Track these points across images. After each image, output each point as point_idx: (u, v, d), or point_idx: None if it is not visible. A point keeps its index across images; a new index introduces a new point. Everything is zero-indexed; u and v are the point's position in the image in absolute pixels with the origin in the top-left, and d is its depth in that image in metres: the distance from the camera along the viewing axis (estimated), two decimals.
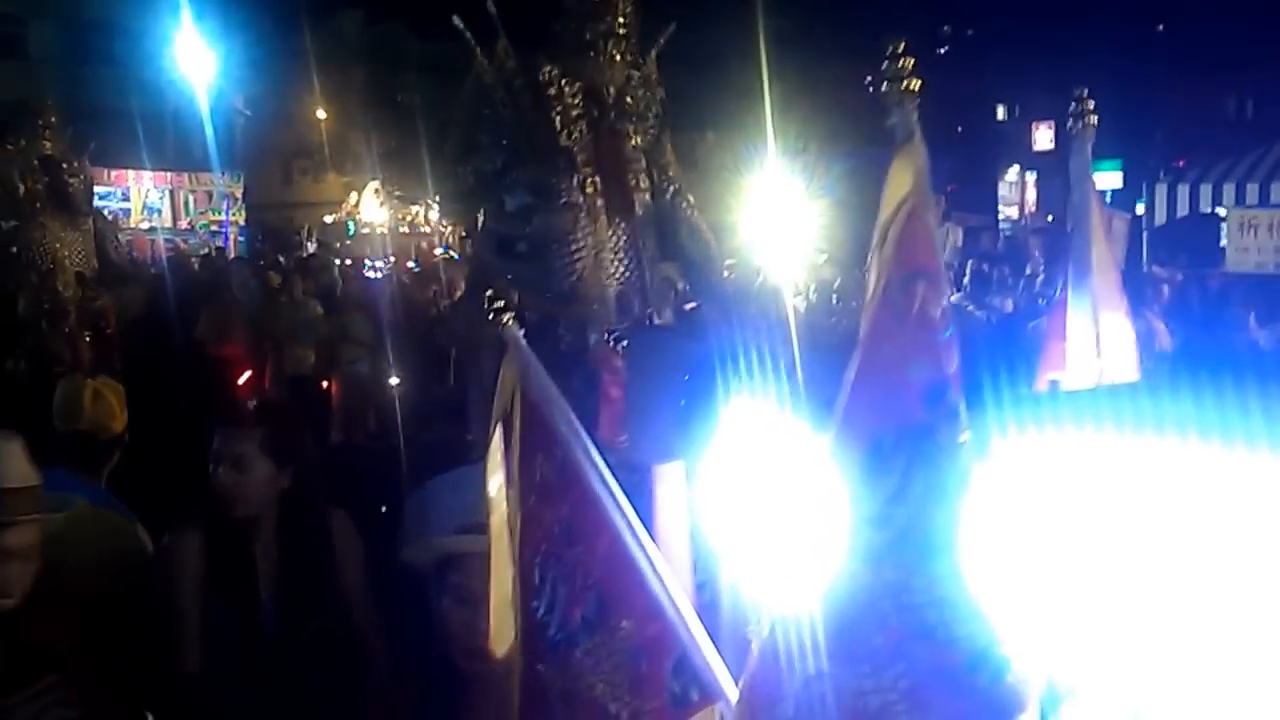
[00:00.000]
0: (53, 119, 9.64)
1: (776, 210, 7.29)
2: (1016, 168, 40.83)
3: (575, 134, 5.43)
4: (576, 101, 5.44)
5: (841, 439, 1.79)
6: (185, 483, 3.90)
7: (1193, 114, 35.24)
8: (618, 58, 5.52)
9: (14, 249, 9.09)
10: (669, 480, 2.83)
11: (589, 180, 5.40)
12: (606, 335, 5.14)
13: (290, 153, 35.95)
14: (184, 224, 29.02)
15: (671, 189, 5.78)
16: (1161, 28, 39.45)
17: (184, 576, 3.51)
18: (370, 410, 10.30)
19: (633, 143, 5.56)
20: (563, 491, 2.23)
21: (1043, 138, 41.77)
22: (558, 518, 2.24)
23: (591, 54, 5.47)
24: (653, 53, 5.67)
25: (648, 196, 5.64)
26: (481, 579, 2.39)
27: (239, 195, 29.99)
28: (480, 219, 5.67)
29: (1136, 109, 28.71)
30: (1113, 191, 28.37)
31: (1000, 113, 46.07)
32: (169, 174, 29.85)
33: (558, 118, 5.38)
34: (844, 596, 1.78)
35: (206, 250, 20.54)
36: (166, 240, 23.74)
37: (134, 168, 25.74)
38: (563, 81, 5.40)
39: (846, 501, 1.76)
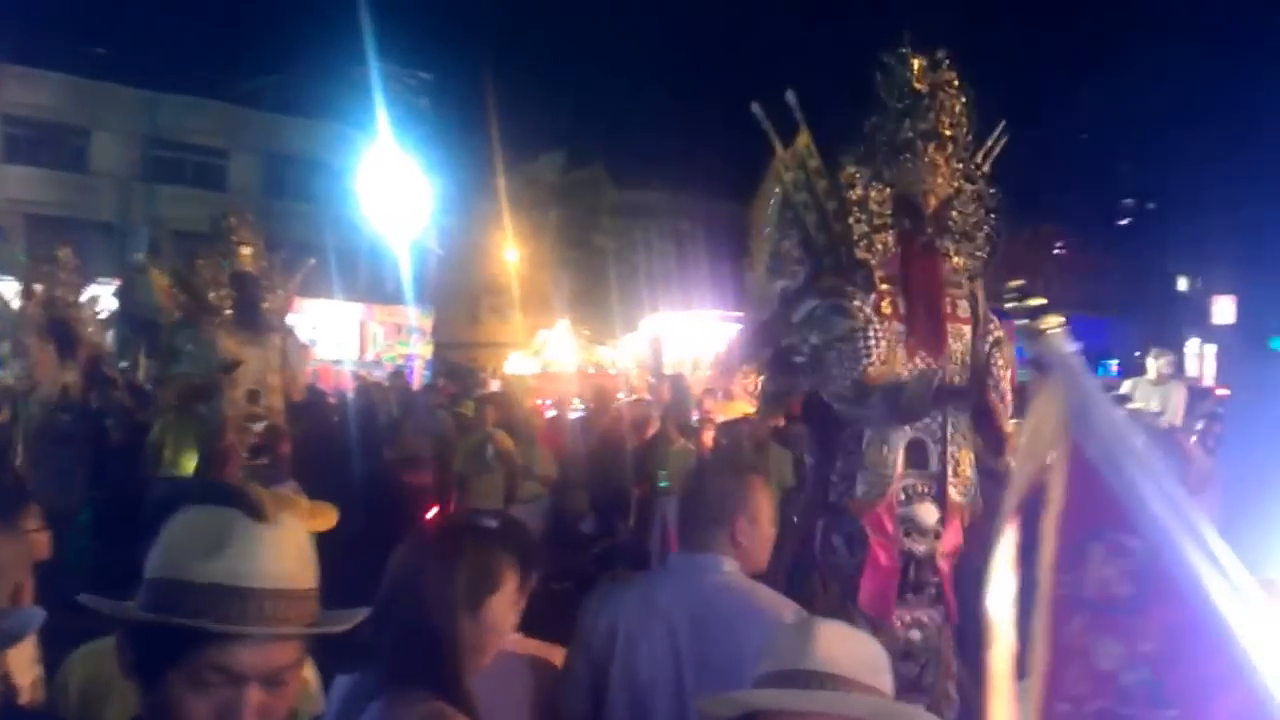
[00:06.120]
0: (248, 239, 9.74)
1: None
2: (1196, 340, 39.64)
3: (878, 246, 4.67)
4: (884, 210, 4.69)
5: None
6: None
7: None
8: (941, 163, 4.70)
9: (181, 354, 9.04)
10: None
11: (888, 300, 4.63)
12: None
13: (479, 290, 36.20)
14: (370, 356, 29.03)
15: (995, 333, 4.90)
16: None
17: None
18: (552, 550, 9.78)
19: (954, 264, 4.80)
20: (1150, 608, 1.41)
21: (1222, 310, 40.85)
22: (1136, 654, 1.42)
23: (907, 157, 4.69)
24: (986, 162, 4.82)
25: (966, 330, 4.76)
26: None
27: (427, 330, 30.04)
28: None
29: None
30: None
31: (1182, 284, 45.51)
32: (359, 305, 30.06)
33: (858, 226, 4.64)
34: None
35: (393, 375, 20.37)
36: (351, 371, 23.64)
37: (323, 298, 25.77)
38: (869, 186, 4.68)
39: None
